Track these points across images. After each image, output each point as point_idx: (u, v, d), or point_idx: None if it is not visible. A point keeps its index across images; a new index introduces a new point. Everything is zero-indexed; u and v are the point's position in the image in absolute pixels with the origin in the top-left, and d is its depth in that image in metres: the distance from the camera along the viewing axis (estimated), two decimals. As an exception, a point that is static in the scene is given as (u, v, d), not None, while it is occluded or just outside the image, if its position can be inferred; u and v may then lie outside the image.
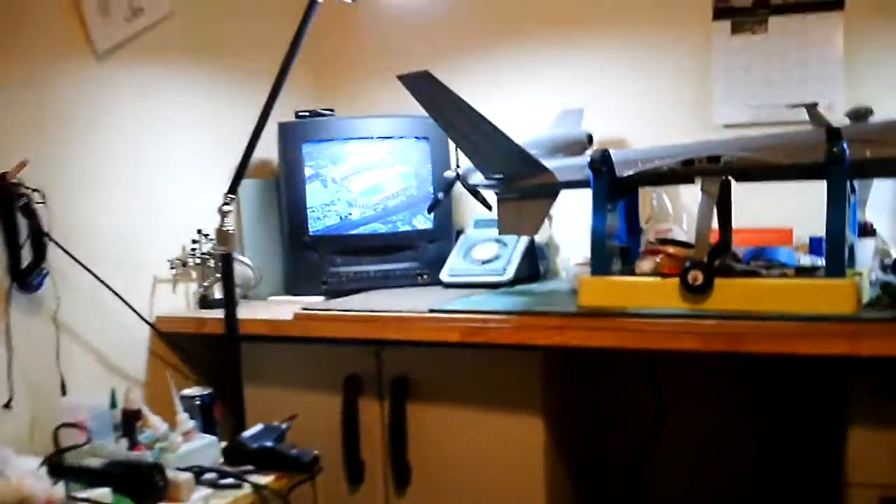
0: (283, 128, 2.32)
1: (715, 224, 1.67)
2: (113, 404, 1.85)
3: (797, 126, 1.69)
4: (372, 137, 2.32)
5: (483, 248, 2.20)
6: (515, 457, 1.81)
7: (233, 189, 1.99)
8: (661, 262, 1.66)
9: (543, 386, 1.79)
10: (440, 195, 2.07)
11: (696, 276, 1.55)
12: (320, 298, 2.22)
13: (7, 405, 1.82)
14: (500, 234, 1.96)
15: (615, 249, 1.76)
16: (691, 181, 1.65)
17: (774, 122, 1.99)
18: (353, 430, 1.97)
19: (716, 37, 2.18)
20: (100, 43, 2.05)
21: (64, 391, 1.92)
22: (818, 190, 1.49)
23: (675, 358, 1.56)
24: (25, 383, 1.87)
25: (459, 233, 2.35)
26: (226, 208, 1.96)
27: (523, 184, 1.85)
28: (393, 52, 2.61)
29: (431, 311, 1.81)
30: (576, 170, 1.78)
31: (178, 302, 2.25)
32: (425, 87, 1.69)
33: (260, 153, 2.36)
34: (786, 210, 1.97)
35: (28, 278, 1.86)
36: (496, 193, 1.93)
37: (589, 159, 1.70)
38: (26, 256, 1.86)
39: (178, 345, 2.20)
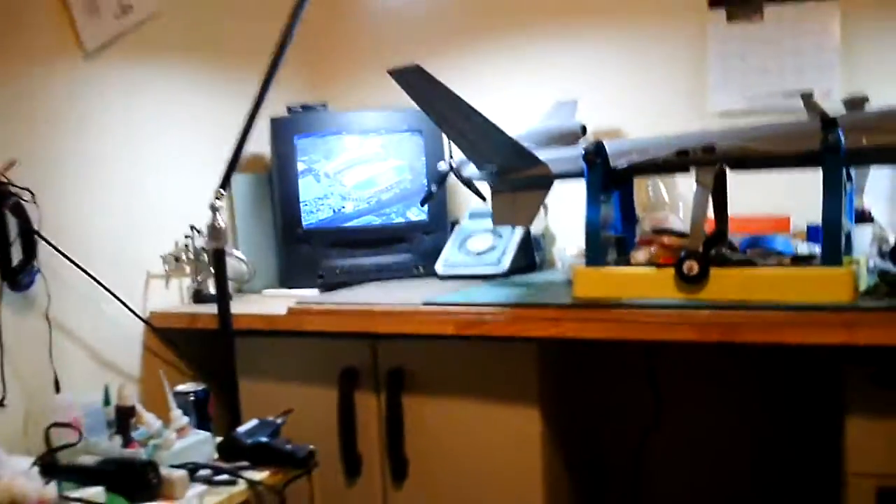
0: (275, 122, 2.31)
1: (711, 213, 1.66)
2: (107, 401, 1.85)
3: (793, 114, 1.67)
4: (365, 131, 2.31)
5: (478, 240, 2.19)
6: (512, 448, 1.80)
7: (224, 184, 1.97)
8: (656, 252, 1.65)
9: (540, 377, 1.77)
10: (433, 187, 2.06)
11: (692, 267, 1.53)
12: (315, 292, 2.21)
13: (0, 403, 1.81)
14: (494, 225, 1.95)
15: (610, 240, 1.74)
16: (686, 171, 1.64)
17: (770, 111, 1.98)
18: (349, 423, 1.96)
19: (711, 25, 2.16)
20: (89, 41, 2.03)
21: (58, 388, 1.91)
22: (815, 177, 1.48)
23: (672, 349, 1.55)
24: (18, 381, 1.86)
25: (454, 224, 2.33)
26: (217, 204, 1.94)
27: (517, 175, 1.83)
28: (386, 44, 2.60)
29: (426, 303, 1.80)
30: (569, 161, 1.76)
31: (172, 297, 2.24)
32: (416, 81, 1.67)
33: (253, 147, 2.35)
34: (783, 197, 1.96)
35: (18, 276, 1.85)
36: (490, 185, 1.91)
37: (582, 150, 1.69)
38: (17, 255, 1.85)
39: (172, 340, 2.19)
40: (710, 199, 1.62)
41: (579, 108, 2.21)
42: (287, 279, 2.32)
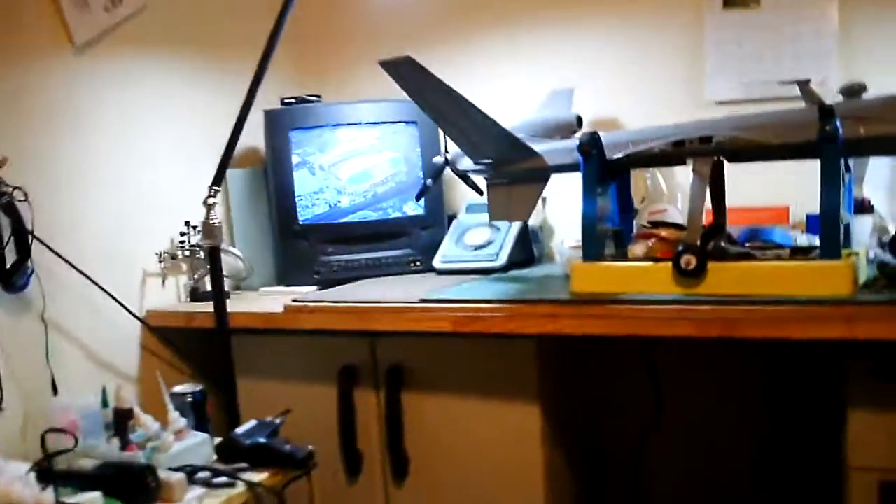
0: (269, 115, 2.28)
1: (709, 203, 1.65)
2: (104, 403, 1.84)
3: (791, 102, 1.65)
4: (359, 123, 2.28)
5: (476, 234, 2.17)
6: (513, 444, 1.79)
7: (217, 181, 1.95)
8: (654, 246, 1.63)
9: (539, 373, 1.76)
10: (429, 182, 2.04)
11: (689, 261, 1.52)
12: (313, 288, 2.20)
13: (-2, 406, 1.81)
14: (490, 220, 1.93)
15: (608, 233, 1.73)
16: (683, 162, 1.62)
17: (767, 98, 1.96)
18: (349, 422, 1.95)
19: (708, 11, 2.13)
20: (79, 35, 2.01)
21: (55, 391, 1.90)
22: (814, 166, 1.46)
23: (672, 343, 1.53)
24: (15, 385, 1.85)
25: (452, 218, 2.31)
26: (211, 201, 1.92)
27: (513, 168, 1.82)
28: (379, 35, 2.57)
29: (422, 300, 1.78)
30: (565, 153, 1.75)
31: (169, 295, 2.22)
32: (408, 73, 1.66)
33: (248, 141, 2.34)
34: (782, 187, 1.93)
35: (13, 278, 1.84)
36: (486, 179, 1.90)
37: (578, 142, 1.67)
38: (10, 256, 1.84)
39: (169, 339, 2.18)
40: (708, 191, 1.61)
41: (575, 96, 2.19)
42: (284, 276, 2.31)
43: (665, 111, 2.08)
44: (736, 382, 2.07)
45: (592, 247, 1.66)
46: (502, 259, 2.09)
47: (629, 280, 1.61)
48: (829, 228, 1.43)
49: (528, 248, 2.21)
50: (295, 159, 2.25)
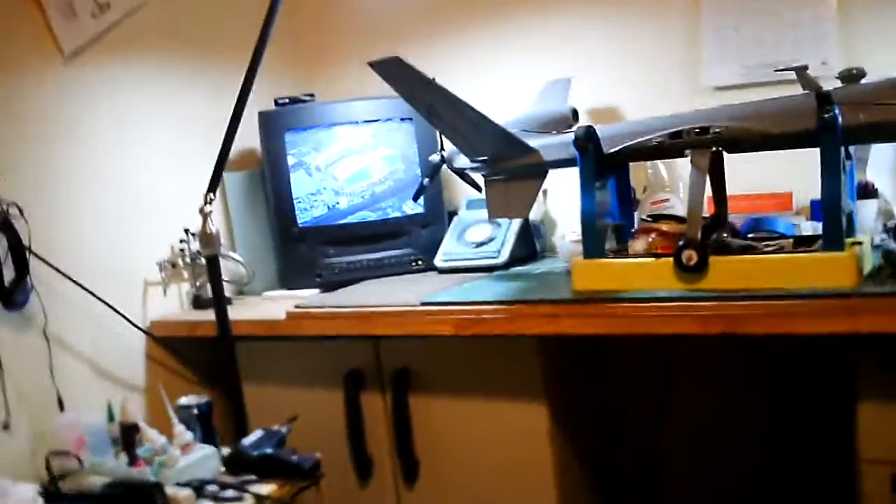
0: (263, 116, 2.26)
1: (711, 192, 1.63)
2: (110, 417, 1.84)
3: (792, 85, 1.61)
4: (355, 121, 2.26)
5: (476, 230, 2.15)
6: (522, 444, 1.78)
7: (212, 188, 1.94)
8: (654, 241, 1.61)
9: (545, 372, 1.75)
10: (425, 181, 2.02)
11: (690, 256, 1.50)
12: (315, 291, 2.19)
13: (5, 426, 1.81)
14: (489, 218, 1.91)
15: (608, 227, 1.70)
16: (681, 154, 1.59)
17: (767, 83, 1.93)
18: (357, 426, 1.94)
19: (704, -4, 2.09)
20: (67, 43, 1.99)
21: (61, 407, 1.90)
22: (816, 152, 1.42)
23: (679, 338, 1.51)
24: (21, 402, 1.85)
25: (452, 214, 2.29)
26: (207, 209, 1.91)
27: (509, 165, 1.79)
28: (373, 30, 2.54)
29: (424, 303, 1.77)
30: (561, 148, 1.72)
31: (172, 304, 2.21)
32: (397, 73, 1.64)
33: (245, 143, 2.32)
34: (784, 173, 1.89)
35: (12, 296, 1.84)
36: (483, 176, 1.88)
37: (574, 137, 1.64)
38: (9, 273, 1.83)
39: (174, 349, 2.18)
40: (708, 182, 1.58)
41: (572, 86, 2.16)
42: (286, 279, 2.30)
43: (663, 99, 2.07)
44: (745, 375, 2.04)
45: (593, 243, 1.64)
46: (504, 256, 2.06)
47: (630, 277, 1.59)
48: (831, 219, 1.41)
49: (530, 243, 2.18)
50: (291, 160, 2.23)
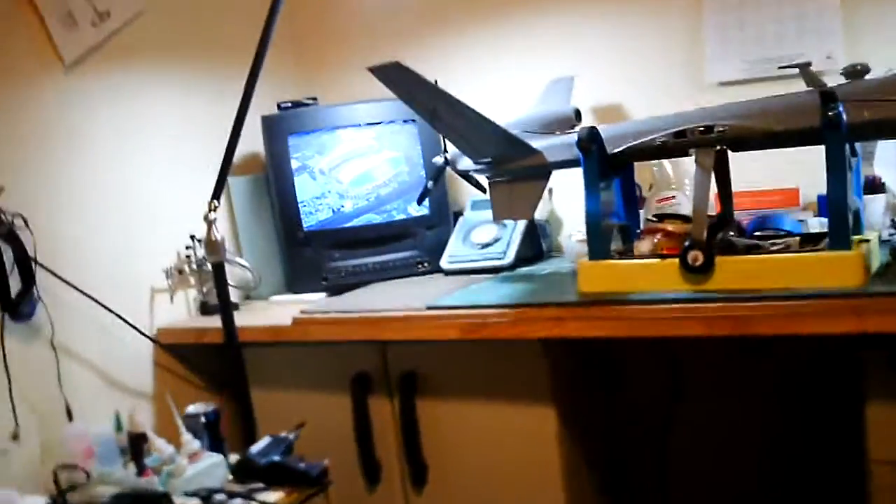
0: (267, 121, 2.26)
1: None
2: (118, 427, 1.84)
3: (797, 80, 1.59)
4: (358, 124, 2.26)
5: (482, 231, 2.14)
6: (530, 448, 1.77)
7: (217, 194, 1.94)
8: (659, 242, 1.60)
9: (551, 374, 1.74)
10: (429, 184, 2.01)
11: (696, 257, 1.48)
12: (322, 295, 2.19)
13: (14, 437, 1.81)
14: (494, 220, 1.90)
15: (613, 228, 1.69)
16: (686, 154, 1.58)
17: (771, 77, 1.91)
18: (365, 430, 1.94)
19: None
20: (68, 53, 1.99)
21: (70, 416, 1.90)
22: (822, 147, 1.41)
23: (686, 340, 1.49)
24: (30, 413, 1.85)
25: (458, 214, 2.28)
26: (211, 216, 1.91)
27: (513, 166, 1.78)
28: (374, 32, 2.53)
29: (429, 307, 1.76)
30: (564, 149, 1.71)
31: (179, 310, 2.21)
32: (397, 78, 1.63)
33: (249, 147, 2.32)
34: (791, 169, 1.87)
35: (19, 307, 1.84)
36: (487, 177, 1.87)
37: (577, 138, 1.63)
38: (15, 284, 1.83)
39: (182, 356, 2.17)
40: (714, 180, 1.57)
41: (575, 84, 2.14)
42: (293, 283, 2.29)
43: (665, 95, 2.05)
44: (756, 376, 2.02)
45: (598, 245, 1.63)
46: (510, 257, 2.06)
47: (636, 278, 1.57)
48: (838, 217, 1.39)
49: (536, 243, 2.17)
50: (294, 164, 2.23)
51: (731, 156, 1.58)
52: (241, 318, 2.00)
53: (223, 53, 2.33)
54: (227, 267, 1.98)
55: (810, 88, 1.49)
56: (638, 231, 1.71)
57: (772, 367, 1.97)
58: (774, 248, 1.52)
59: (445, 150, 1.98)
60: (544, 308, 1.62)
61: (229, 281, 1.99)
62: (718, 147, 1.52)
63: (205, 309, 2.20)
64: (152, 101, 2.19)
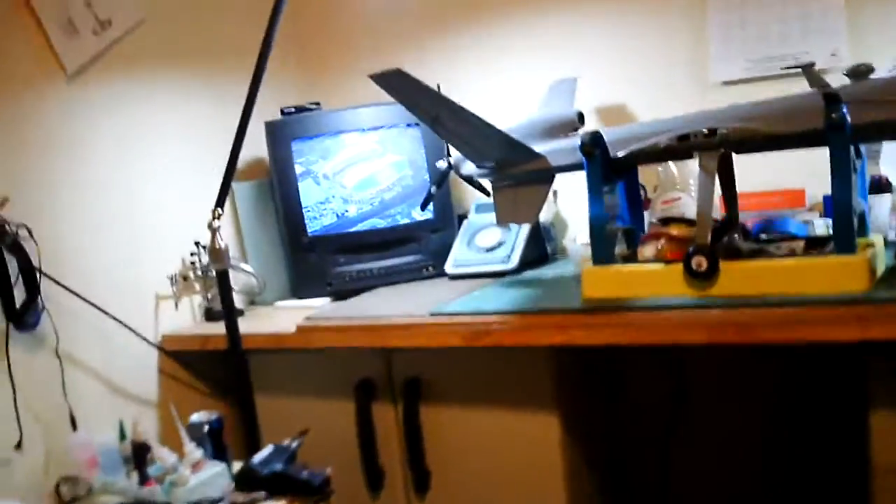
0: (270, 126, 2.25)
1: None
2: (122, 436, 1.84)
3: (801, 79, 1.57)
4: (361, 128, 2.25)
5: (486, 235, 2.13)
6: (533, 455, 1.76)
7: (220, 201, 1.94)
8: (663, 247, 1.58)
9: (555, 382, 1.73)
10: (433, 189, 2.00)
11: (700, 262, 1.46)
12: (326, 300, 2.18)
13: (18, 446, 1.81)
14: (497, 224, 1.89)
15: (618, 232, 1.67)
16: (689, 156, 1.56)
17: (775, 76, 1.88)
18: (369, 437, 1.93)
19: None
20: (70, 62, 1.98)
21: (74, 425, 1.90)
22: (827, 148, 1.39)
23: (690, 345, 1.48)
24: (35, 422, 1.85)
25: (462, 217, 2.27)
26: (215, 224, 1.91)
27: (516, 171, 1.77)
28: (377, 36, 2.52)
29: (433, 314, 1.75)
30: (567, 153, 1.69)
31: (184, 316, 2.21)
32: (398, 84, 1.62)
33: (253, 152, 2.31)
34: (796, 169, 1.85)
35: (24, 317, 1.84)
36: (490, 182, 1.85)
37: (580, 142, 1.62)
38: (19, 295, 1.83)
39: (186, 362, 2.17)
40: (718, 183, 1.55)
41: (578, 86, 2.12)
42: (298, 288, 2.29)
43: (669, 95, 2.03)
44: (759, 382, 2.00)
45: (602, 250, 1.61)
46: (514, 261, 2.04)
47: (640, 284, 1.56)
48: (842, 221, 1.37)
49: (541, 246, 2.16)
50: (298, 169, 2.22)
51: (737, 156, 1.57)
52: (246, 324, 2.00)
53: (225, 60, 2.33)
54: (232, 273, 1.98)
55: (814, 89, 1.47)
56: (640, 235, 1.69)
57: (775, 372, 1.95)
58: (779, 252, 1.50)
59: (449, 155, 1.97)
60: (548, 315, 1.60)
61: (234, 286, 1.99)
62: (722, 150, 1.50)
63: (210, 315, 2.20)
64: (155, 109, 2.18)
